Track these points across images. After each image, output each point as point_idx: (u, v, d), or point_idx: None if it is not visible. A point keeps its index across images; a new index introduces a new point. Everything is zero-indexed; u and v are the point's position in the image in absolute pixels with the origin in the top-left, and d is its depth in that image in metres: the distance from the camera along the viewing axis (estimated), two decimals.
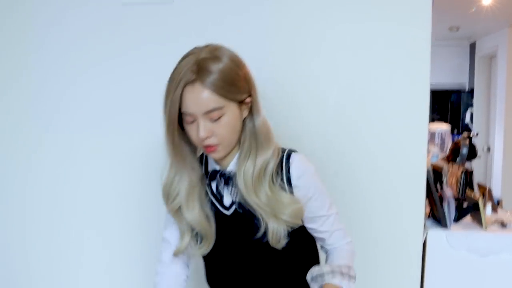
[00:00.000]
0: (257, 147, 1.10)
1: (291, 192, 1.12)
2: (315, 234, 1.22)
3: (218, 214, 1.17)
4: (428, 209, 1.95)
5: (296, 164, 1.13)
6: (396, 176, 1.68)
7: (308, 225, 1.20)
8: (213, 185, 1.17)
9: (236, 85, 1.04)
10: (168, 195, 1.16)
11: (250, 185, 1.09)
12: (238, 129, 1.10)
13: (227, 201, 1.16)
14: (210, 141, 1.06)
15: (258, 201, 1.09)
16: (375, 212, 1.70)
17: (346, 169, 1.68)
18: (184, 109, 1.03)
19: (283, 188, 1.12)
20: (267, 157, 1.10)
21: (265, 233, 1.11)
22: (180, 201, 1.14)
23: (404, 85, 1.64)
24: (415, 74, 1.63)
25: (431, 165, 2.03)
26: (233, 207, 1.15)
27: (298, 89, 1.67)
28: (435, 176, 1.91)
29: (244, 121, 1.11)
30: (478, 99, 5.58)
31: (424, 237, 1.76)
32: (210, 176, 1.16)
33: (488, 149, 5.35)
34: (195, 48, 1.06)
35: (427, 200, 1.83)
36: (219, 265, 1.23)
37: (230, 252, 1.19)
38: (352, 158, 1.68)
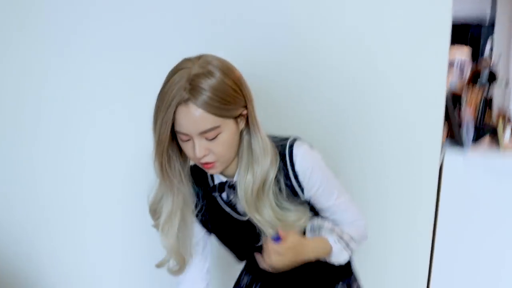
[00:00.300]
0: (255, 159, 1.07)
1: (299, 185, 1.11)
2: None
3: (234, 220, 1.17)
4: (446, 132, 1.94)
5: (300, 159, 1.09)
6: (415, 100, 1.66)
7: (319, 213, 1.19)
8: (224, 196, 1.16)
9: (231, 101, 0.99)
10: (154, 212, 1.15)
11: (250, 200, 1.08)
12: (236, 143, 1.06)
13: (241, 208, 1.15)
14: (207, 159, 1.02)
15: (261, 219, 1.08)
16: (393, 136, 1.70)
17: (366, 96, 1.67)
18: (177, 129, 0.99)
19: (288, 200, 1.10)
20: (266, 167, 1.07)
21: None
22: (159, 224, 1.14)
23: (424, 14, 1.59)
24: (436, 4, 1.57)
25: (450, 91, 2.00)
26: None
27: (316, 28, 1.63)
28: (454, 100, 1.89)
29: (241, 132, 1.07)
30: (499, 32, 5.40)
31: (441, 159, 1.76)
32: (218, 188, 1.15)
33: (507, 83, 5.25)
34: (186, 61, 0.99)
35: (446, 123, 1.82)
36: (242, 255, 1.27)
37: (251, 249, 1.19)
38: (371, 85, 1.66)
